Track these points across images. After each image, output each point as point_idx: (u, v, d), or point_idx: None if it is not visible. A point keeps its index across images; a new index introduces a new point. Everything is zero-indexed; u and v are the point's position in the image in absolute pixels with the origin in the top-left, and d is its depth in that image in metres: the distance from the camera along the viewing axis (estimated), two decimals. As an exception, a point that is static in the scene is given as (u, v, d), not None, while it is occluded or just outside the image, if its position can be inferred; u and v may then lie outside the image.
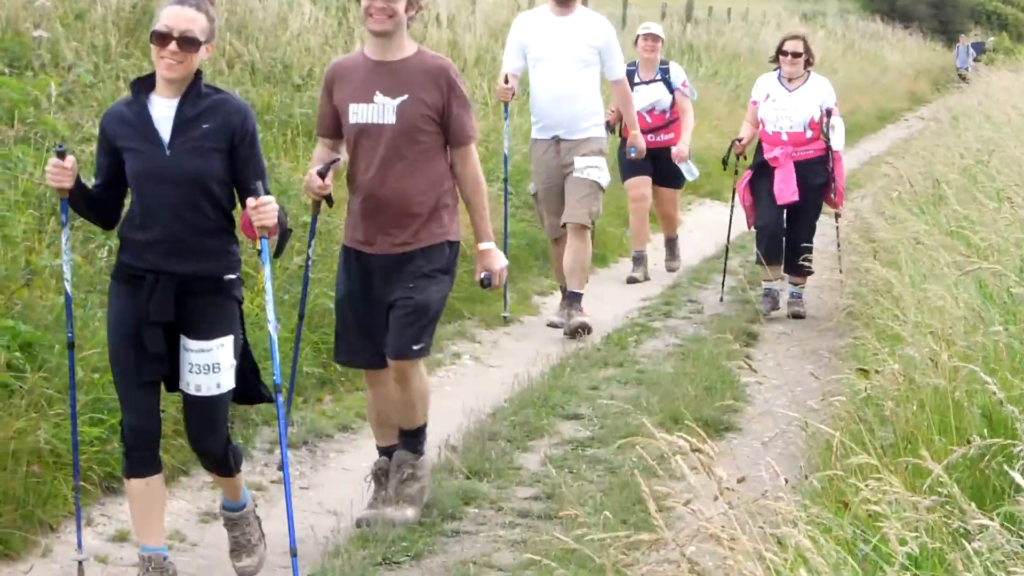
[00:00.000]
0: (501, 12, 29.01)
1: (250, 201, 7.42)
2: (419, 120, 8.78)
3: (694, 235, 21.56)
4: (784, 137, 13.91)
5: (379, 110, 8.79)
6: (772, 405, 11.07)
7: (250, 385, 8.15)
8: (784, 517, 5.64)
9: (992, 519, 5.38)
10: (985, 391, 7.25)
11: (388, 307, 8.98)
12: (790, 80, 14.20)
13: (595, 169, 13.31)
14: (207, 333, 7.62)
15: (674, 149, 16.83)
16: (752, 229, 15.08)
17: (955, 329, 8.60)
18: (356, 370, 11.82)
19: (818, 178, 14.06)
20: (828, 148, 14.20)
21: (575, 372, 13.17)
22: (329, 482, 10.22)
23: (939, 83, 51.95)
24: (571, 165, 13.37)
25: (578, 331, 13.91)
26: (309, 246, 9.98)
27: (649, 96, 16.81)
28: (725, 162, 15.17)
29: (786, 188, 13.70)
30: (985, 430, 6.92)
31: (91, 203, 7.87)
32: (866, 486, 6.36)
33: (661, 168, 16.98)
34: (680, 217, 18.34)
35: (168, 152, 7.47)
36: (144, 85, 7.68)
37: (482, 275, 9.12)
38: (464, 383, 12.71)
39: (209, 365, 7.62)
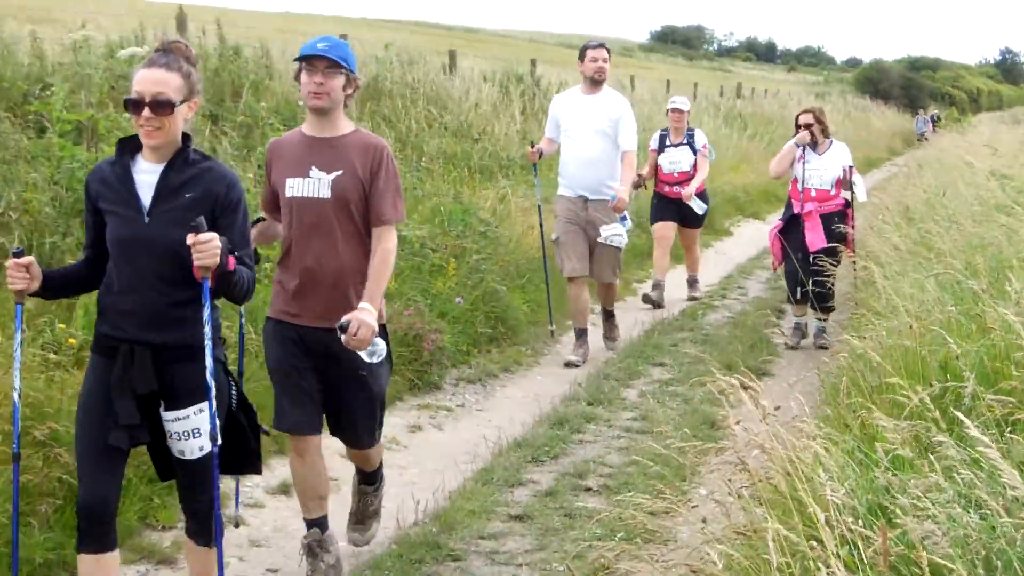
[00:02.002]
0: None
1: (189, 237, 5.11)
2: (352, 194, 6.30)
3: (741, 241, 21.50)
4: (813, 193, 12.23)
5: (315, 184, 6.33)
6: (796, 359, 11.01)
7: (240, 449, 5.87)
8: (806, 434, 5.60)
9: (947, 438, 5.35)
10: (941, 350, 7.22)
11: (335, 386, 6.53)
12: (818, 146, 12.43)
13: (617, 237, 11.44)
14: (184, 401, 5.43)
15: (684, 192, 15.11)
16: (777, 271, 13.44)
17: (921, 308, 8.55)
18: (517, 328, 11.76)
19: (836, 231, 12.11)
20: (847, 203, 12.45)
21: (661, 334, 13.15)
22: (496, 407, 10.23)
23: (908, 141, 51.32)
24: (595, 222, 11.46)
25: (612, 347, 12.19)
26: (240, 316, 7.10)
27: (678, 156, 15.13)
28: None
29: (816, 238, 12.09)
30: (942, 376, 6.85)
31: (67, 283, 5.74)
32: (862, 414, 6.35)
33: (685, 212, 15.28)
34: (699, 256, 16.25)
35: (147, 220, 5.33)
36: (129, 146, 5.47)
37: (345, 320, 6.08)
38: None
39: (189, 431, 5.48)
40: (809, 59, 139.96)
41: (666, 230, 15.21)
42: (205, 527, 5.67)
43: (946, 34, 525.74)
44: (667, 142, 15.15)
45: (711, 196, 17.13)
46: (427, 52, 23.59)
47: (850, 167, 12.28)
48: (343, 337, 6.01)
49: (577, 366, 11.50)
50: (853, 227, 12.20)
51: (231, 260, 5.32)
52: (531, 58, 26.35)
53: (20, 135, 10.06)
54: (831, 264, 11.51)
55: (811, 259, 11.84)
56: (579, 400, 10.34)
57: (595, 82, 11.54)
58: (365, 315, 6.03)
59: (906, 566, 4.38)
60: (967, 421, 4.94)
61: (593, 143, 11.31)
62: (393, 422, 9.48)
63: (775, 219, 14.17)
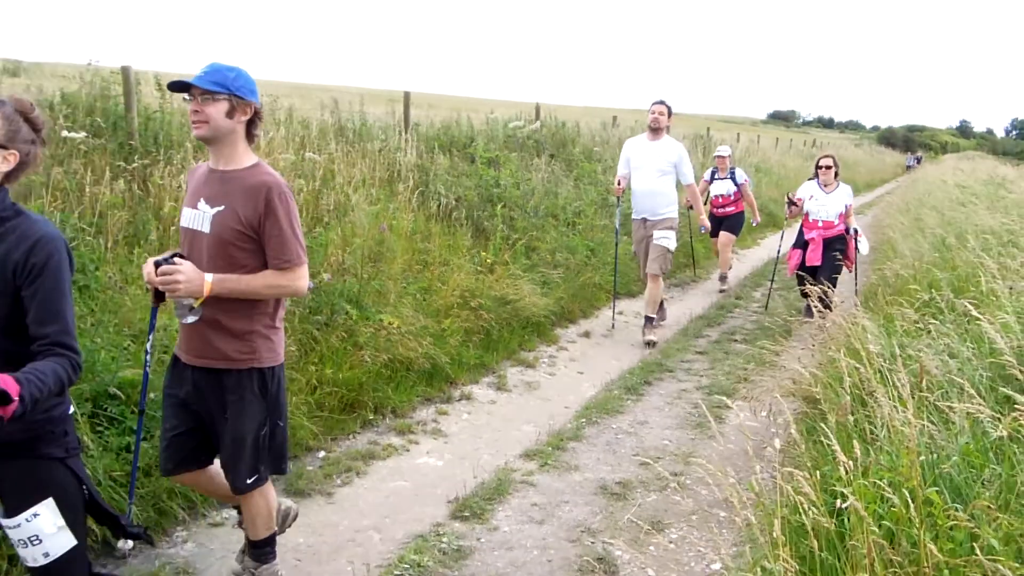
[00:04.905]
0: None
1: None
2: (230, 234, 2.90)
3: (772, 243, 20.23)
4: (820, 224, 8.67)
5: (199, 217, 2.96)
6: (849, 278, 10.34)
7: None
8: (857, 318, 5.26)
9: (935, 320, 4.95)
10: (931, 275, 6.72)
11: (208, 423, 3.10)
12: (826, 185, 8.83)
13: (666, 239, 7.96)
14: (14, 507, 2.31)
15: (753, 222, 11.68)
16: (791, 275, 9.11)
17: (918, 254, 7.97)
18: (698, 261, 11.30)
19: (837, 249, 8.53)
20: (847, 230, 8.71)
21: (746, 288, 12.53)
22: (688, 299, 9.89)
23: (905, 170, 47.47)
24: (651, 232, 8.02)
25: (648, 344, 7.75)
26: (148, 340, 3.15)
27: (722, 186, 11.07)
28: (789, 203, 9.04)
29: (815, 257, 8.56)
30: (933, 290, 6.34)
31: None
32: (888, 305, 5.92)
33: (725, 223, 11.02)
34: (730, 258, 11.26)
35: None
36: None
37: (167, 258, 2.85)
38: (696, 294, 12.06)
39: (26, 539, 2.31)
40: (851, 126, 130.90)
41: (717, 244, 11.40)
42: None
43: (928, 109, 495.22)
44: (716, 176, 11.44)
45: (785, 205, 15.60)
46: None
47: (855, 230, 8.75)
48: (160, 280, 2.87)
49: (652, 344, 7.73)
50: (856, 250, 8.80)
51: (11, 384, 2.05)
52: (707, 127, 25.36)
53: (463, 164, 10.32)
54: (828, 281, 8.20)
55: (809, 271, 8.64)
56: (730, 296, 9.99)
57: (653, 130, 8.27)
58: (191, 270, 2.88)
59: (915, 387, 4.10)
60: (968, 305, 4.52)
61: (654, 178, 8.15)
62: (635, 308, 9.27)
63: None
